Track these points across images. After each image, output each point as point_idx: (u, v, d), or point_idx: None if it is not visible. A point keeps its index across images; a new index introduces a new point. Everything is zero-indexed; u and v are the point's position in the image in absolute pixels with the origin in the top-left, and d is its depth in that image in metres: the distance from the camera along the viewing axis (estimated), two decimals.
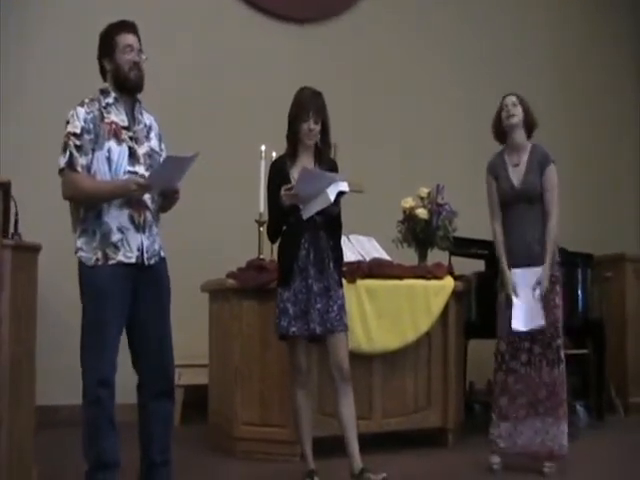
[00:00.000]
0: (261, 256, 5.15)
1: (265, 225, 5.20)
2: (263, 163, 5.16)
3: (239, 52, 6.93)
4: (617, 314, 6.62)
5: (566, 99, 8.18)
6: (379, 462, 4.58)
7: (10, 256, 3.71)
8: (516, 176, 4.59)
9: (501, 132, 4.68)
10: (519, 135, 4.64)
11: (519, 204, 4.55)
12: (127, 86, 3.71)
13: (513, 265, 4.56)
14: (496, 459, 4.52)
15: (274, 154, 5.19)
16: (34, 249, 4.02)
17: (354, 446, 4.12)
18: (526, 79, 7.82)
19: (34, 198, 5.28)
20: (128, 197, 3.58)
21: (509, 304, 4.53)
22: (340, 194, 4.03)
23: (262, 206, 5.15)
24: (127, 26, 3.73)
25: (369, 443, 4.49)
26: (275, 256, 5.15)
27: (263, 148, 5.22)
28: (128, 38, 3.69)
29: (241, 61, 6.92)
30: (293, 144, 4.20)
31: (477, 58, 7.84)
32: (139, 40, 3.75)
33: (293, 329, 4.05)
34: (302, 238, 4.09)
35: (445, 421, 5.25)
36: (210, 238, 6.26)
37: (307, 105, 4.11)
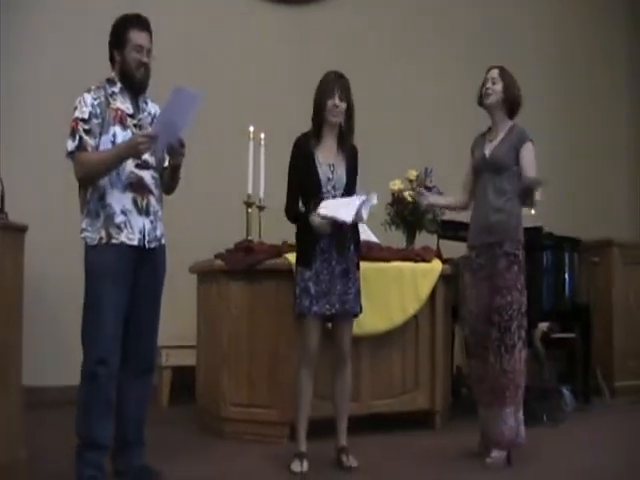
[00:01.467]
0: (249, 237, 5.14)
1: (254, 206, 5.23)
2: (252, 144, 5.15)
3: (227, 33, 6.90)
4: (604, 298, 6.64)
5: (559, 85, 8.19)
6: (366, 444, 4.62)
7: None
8: (489, 148, 4.46)
9: (479, 101, 4.54)
10: (498, 114, 4.47)
11: (486, 173, 4.43)
12: (131, 84, 3.78)
13: (474, 233, 4.44)
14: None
15: (262, 135, 5.20)
16: (21, 229, 3.99)
17: (341, 424, 4.28)
18: (521, 60, 7.82)
19: (21, 177, 5.26)
20: (136, 153, 3.59)
21: (472, 284, 4.42)
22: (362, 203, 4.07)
23: (250, 187, 5.15)
24: (141, 23, 3.79)
25: (357, 425, 4.51)
26: (263, 238, 5.19)
27: (252, 129, 5.20)
28: (141, 37, 3.76)
29: (229, 42, 6.89)
30: (318, 124, 4.24)
31: (473, 40, 7.81)
32: (151, 38, 3.81)
33: (315, 308, 4.11)
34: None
35: (432, 403, 5.26)
36: (198, 219, 6.25)
37: (333, 84, 4.19)
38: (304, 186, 4.19)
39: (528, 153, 4.40)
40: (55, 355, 5.87)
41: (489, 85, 4.44)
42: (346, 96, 4.19)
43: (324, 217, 4.03)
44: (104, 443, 3.65)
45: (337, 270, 4.15)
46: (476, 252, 4.43)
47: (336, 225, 4.05)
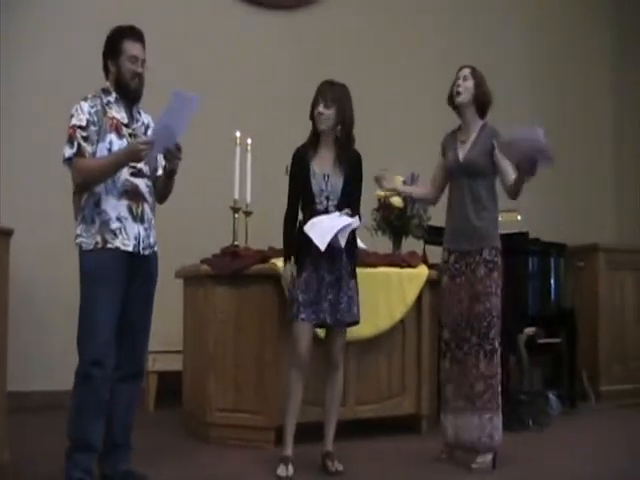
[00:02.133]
0: (235, 242, 5.14)
1: (241, 211, 5.24)
2: (238, 149, 5.16)
3: (214, 37, 6.89)
4: (589, 303, 6.68)
5: (545, 87, 8.23)
6: (353, 449, 4.63)
7: None
8: (462, 151, 4.46)
9: (450, 101, 4.56)
10: (468, 112, 4.47)
11: (461, 178, 4.43)
12: (126, 94, 3.82)
13: (452, 239, 4.46)
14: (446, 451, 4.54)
15: (249, 140, 5.22)
16: (6, 233, 4.00)
17: (329, 429, 4.29)
18: (507, 63, 7.90)
19: (7, 182, 5.26)
20: (135, 159, 3.64)
21: (451, 289, 4.45)
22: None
23: (237, 192, 5.15)
24: (135, 34, 3.84)
25: (343, 429, 4.51)
26: (249, 243, 5.19)
27: (238, 134, 5.21)
28: (135, 47, 3.80)
29: (216, 47, 6.88)
30: (314, 134, 4.27)
31: (461, 44, 7.82)
32: (144, 49, 3.86)
33: (302, 316, 4.12)
34: None
35: (419, 408, 5.27)
36: (185, 224, 6.24)
37: (322, 91, 4.20)
38: (301, 196, 4.24)
39: None
40: (41, 360, 5.86)
41: (460, 82, 4.46)
42: (337, 103, 4.18)
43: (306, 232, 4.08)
44: (95, 445, 3.67)
45: (327, 279, 4.16)
46: (454, 257, 4.45)
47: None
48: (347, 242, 4.17)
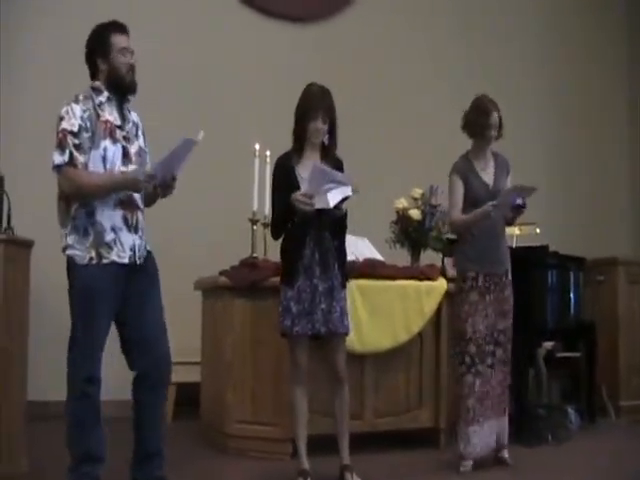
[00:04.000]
0: (254, 254, 5.15)
1: (259, 223, 5.25)
2: (257, 161, 5.18)
3: (234, 50, 6.94)
4: (609, 317, 6.62)
5: (560, 104, 8.21)
6: (371, 462, 4.61)
7: (3, 250, 3.73)
8: (487, 178, 4.66)
9: (474, 132, 4.68)
10: (491, 145, 4.73)
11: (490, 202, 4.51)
12: (123, 88, 3.73)
13: (483, 263, 4.60)
14: (467, 463, 4.58)
15: (268, 152, 5.22)
16: (27, 244, 4.04)
17: (342, 441, 4.23)
18: (521, 82, 7.88)
19: (28, 193, 5.29)
20: (133, 190, 3.61)
21: (479, 306, 4.59)
22: (344, 199, 4.03)
23: (256, 204, 5.17)
24: (121, 27, 3.74)
25: (361, 442, 4.50)
26: (269, 255, 5.19)
27: (257, 147, 5.23)
28: (123, 40, 3.71)
29: (236, 59, 6.93)
30: (300, 141, 4.18)
31: (480, 60, 7.84)
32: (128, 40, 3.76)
33: (296, 328, 4.05)
34: (307, 237, 4.09)
35: (437, 421, 5.25)
36: (204, 236, 6.27)
37: (316, 103, 4.11)
38: (286, 201, 4.06)
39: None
40: (59, 370, 5.87)
41: (494, 128, 4.62)
42: (329, 115, 4.14)
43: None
44: (100, 456, 3.64)
45: (320, 288, 4.07)
46: (483, 277, 4.61)
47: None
48: (338, 251, 4.15)
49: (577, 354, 6.31)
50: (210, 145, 5.94)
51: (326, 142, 4.20)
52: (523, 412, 5.48)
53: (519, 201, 4.43)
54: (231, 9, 7.09)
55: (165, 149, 3.65)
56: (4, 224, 3.99)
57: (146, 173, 3.58)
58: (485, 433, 4.60)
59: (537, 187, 4.43)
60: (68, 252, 3.61)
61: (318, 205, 3.97)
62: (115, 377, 3.91)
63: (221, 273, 5.06)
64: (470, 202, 4.60)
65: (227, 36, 6.95)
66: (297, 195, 3.97)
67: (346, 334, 4.21)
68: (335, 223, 4.15)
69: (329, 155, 4.21)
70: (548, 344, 6.33)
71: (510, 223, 4.77)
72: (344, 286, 4.19)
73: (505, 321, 4.64)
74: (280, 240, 4.24)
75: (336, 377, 4.20)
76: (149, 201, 3.88)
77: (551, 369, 6.14)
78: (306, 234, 4.09)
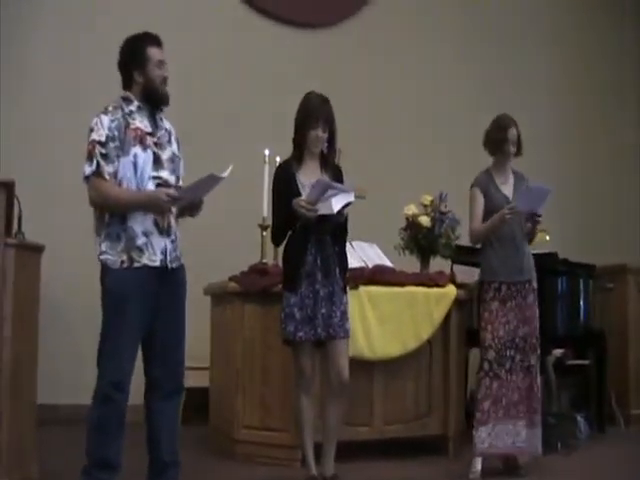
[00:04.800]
0: (264, 260, 5.16)
1: (269, 229, 5.24)
2: (267, 167, 5.17)
3: (245, 55, 6.97)
4: (618, 325, 6.60)
5: (573, 113, 8.20)
6: (379, 469, 4.61)
7: (13, 255, 3.73)
8: (507, 191, 4.76)
9: (494, 150, 4.79)
10: (511, 161, 4.82)
11: (512, 217, 4.59)
12: (156, 100, 3.76)
13: (506, 273, 4.68)
14: (477, 467, 4.62)
15: (278, 159, 5.21)
16: (37, 249, 4.04)
17: (330, 450, 4.16)
18: (533, 92, 7.88)
19: (38, 198, 5.31)
20: (157, 209, 3.62)
21: (500, 312, 4.66)
22: (346, 205, 4.04)
23: (265, 210, 5.17)
24: (156, 40, 3.79)
25: (369, 449, 4.49)
26: (278, 261, 5.18)
27: (267, 152, 5.23)
28: (159, 53, 3.76)
29: (246, 65, 6.96)
30: (299, 149, 4.20)
31: (487, 64, 7.85)
32: None
33: (300, 334, 4.05)
34: (308, 243, 4.09)
35: (446, 429, 5.24)
36: (214, 241, 6.27)
37: (316, 112, 4.12)
38: (287, 207, 4.07)
39: None
40: (70, 373, 5.90)
41: (512, 144, 4.72)
42: (329, 124, 4.15)
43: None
44: (116, 464, 3.62)
45: (322, 293, 4.06)
46: (507, 286, 4.70)
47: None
48: (339, 256, 4.15)
49: (586, 362, 6.30)
50: (220, 150, 6.00)
51: (325, 151, 4.22)
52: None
53: (536, 209, 4.52)
54: (240, 13, 7.11)
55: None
56: (14, 229, 3.99)
57: (170, 194, 3.60)
58: (494, 434, 4.62)
59: (551, 189, 4.50)
60: (101, 257, 3.64)
61: (321, 211, 4.00)
62: None
63: (231, 279, 5.07)
64: (490, 214, 4.67)
65: (236, 41, 6.97)
66: (300, 201, 3.98)
67: (346, 339, 4.16)
68: (336, 228, 4.15)
69: (328, 163, 4.24)
70: (557, 352, 6.32)
71: (530, 237, 4.81)
72: (345, 291, 4.18)
73: (527, 328, 4.69)
74: (283, 246, 4.25)
75: (339, 382, 4.11)
76: (186, 214, 3.92)
77: (560, 377, 6.12)
78: (308, 240, 4.10)
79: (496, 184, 4.77)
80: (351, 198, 4.02)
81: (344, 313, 4.13)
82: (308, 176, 4.16)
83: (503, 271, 4.69)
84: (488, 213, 4.70)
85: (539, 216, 4.60)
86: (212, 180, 3.63)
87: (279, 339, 4.70)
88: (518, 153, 4.79)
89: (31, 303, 3.95)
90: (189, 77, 6.60)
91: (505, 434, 4.65)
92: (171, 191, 3.64)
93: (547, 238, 6.23)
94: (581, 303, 5.97)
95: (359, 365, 4.73)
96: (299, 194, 4.08)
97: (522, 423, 4.68)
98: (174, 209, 3.77)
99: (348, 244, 4.90)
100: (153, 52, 3.73)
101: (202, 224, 5.20)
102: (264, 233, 5.22)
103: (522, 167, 4.89)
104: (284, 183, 4.16)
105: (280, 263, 5.11)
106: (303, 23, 7.33)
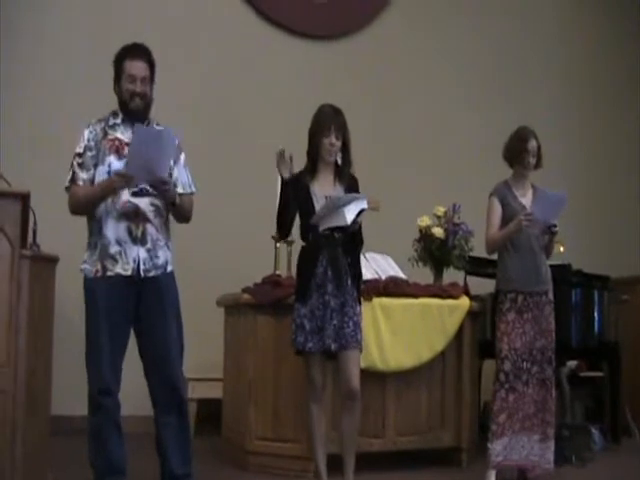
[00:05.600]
0: (277, 272, 5.16)
1: (282, 240, 5.26)
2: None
3: (259, 68, 6.99)
4: (633, 336, 6.58)
5: (584, 125, 8.19)
6: None
7: (28, 266, 3.74)
8: (525, 201, 4.74)
9: (514, 161, 4.78)
10: (530, 174, 4.82)
11: (529, 225, 4.58)
12: (127, 113, 3.83)
13: (523, 282, 4.67)
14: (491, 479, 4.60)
15: None
16: (52, 260, 4.06)
17: (349, 462, 4.12)
18: (544, 103, 7.86)
19: (53, 210, 5.33)
20: (112, 191, 3.67)
21: (517, 324, 4.65)
22: (360, 212, 4.01)
23: None
24: (136, 52, 3.82)
25: (382, 461, 4.48)
26: (292, 272, 5.19)
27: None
28: (133, 66, 3.78)
29: (260, 77, 6.98)
30: (313, 160, 4.20)
31: (497, 77, 7.85)
32: (149, 65, 3.82)
33: (309, 345, 4.03)
34: (320, 254, 4.08)
35: (459, 441, 5.23)
36: (227, 252, 6.29)
37: (328, 121, 4.12)
38: (300, 217, 4.15)
39: None
40: (82, 384, 5.90)
41: (534, 153, 4.73)
42: (342, 133, 4.15)
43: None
44: (120, 467, 3.69)
45: (333, 304, 4.02)
46: (523, 296, 4.68)
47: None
48: (352, 266, 4.11)
49: (600, 374, 6.27)
50: (233, 162, 6.01)
51: (339, 162, 4.21)
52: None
53: (552, 220, 4.53)
54: (252, 25, 7.14)
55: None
56: (29, 240, 4.02)
57: (118, 172, 3.65)
58: (510, 447, 4.60)
59: (566, 196, 4.53)
60: (81, 267, 3.78)
61: (335, 223, 3.99)
62: (134, 392, 3.93)
63: (244, 290, 5.08)
64: (507, 224, 4.66)
65: (249, 52, 7.00)
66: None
67: (358, 349, 4.11)
68: (351, 238, 4.13)
69: (343, 173, 4.22)
70: (572, 363, 6.30)
71: (548, 251, 4.80)
72: (359, 302, 4.15)
73: (544, 340, 4.68)
74: None
75: (349, 393, 4.06)
76: (177, 215, 3.95)
77: (574, 388, 6.10)
78: (319, 251, 4.08)
79: (514, 194, 4.77)
80: (364, 205, 3.99)
81: (357, 324, 4.08)
82: (322, 187, 4.16)
83: (520, 281, 4.67)
84: (505, 222, 4.69)
85: (555, 226, 4.59)
86: (147, 138, 3.62)
87: (292, 350, 4.72)
88: (538, 165, 4.78)
89: (46, 314, 3.97)
90: (200, 88, 6.64)
91: (520, 446, 4.63)
92: (120, 170, 3.67)
93: (562, 249, 6.22)
94: (595, 315, 5.96)
95: (372, 377, 4.74)
96: (312, 204, 4.11)
97: (536, 437, 4.65)
98: (154, 217, 3.78)
99: (362, 256, 4.92)
100: (127, 65, 3.79)
101: (217, 235, 5.26)
102: (277, 245, 5.23)
103: (538, 180, 4.88)
104: (294, 185, 4.12)
105: (294, 275, 5.17)
106: (315, 35, 7.34)
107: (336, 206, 3.95)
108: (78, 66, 6.46)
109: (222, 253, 6.29)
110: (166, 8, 6.74)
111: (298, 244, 5.24)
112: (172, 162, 3.85)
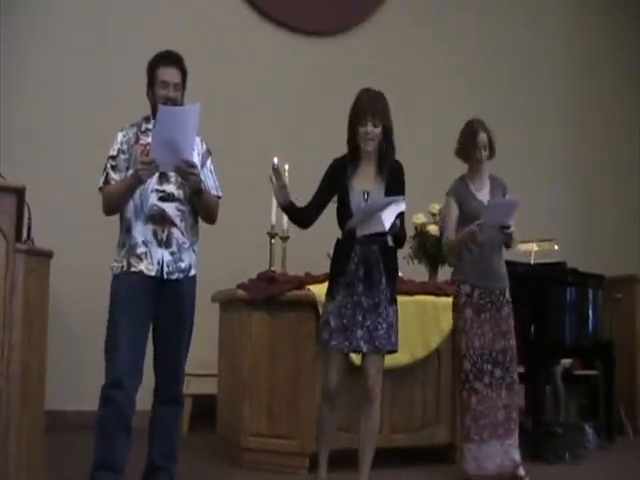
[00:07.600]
0: (272, 268, 5.16)
1: (277, 237, 5.26)
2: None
3: (255, 65, 6.99)
4: (627, 335, 6.58)
5: (581, 119, 8.19)
6: (386, 478, 4.59)
7: (23, 261, 3.72)
8: (483, 197, 4.70)
9: (466, 155, 4.79)
10: (484, 165, 4.77)
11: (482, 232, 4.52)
12: None
13: (478, 277, 4.65)
14: None
15: (287, 166, 5.23)
16: (46, 255, 4.04)
17: (364, 463, 4.04)
18: (543, 97, 7.87)
19: (48, 204, 5.32)
20: (138, 181, 3.71)
21: (474, 323, 4.64)
22: (398, 215, 3.83)
23: (274, 218, 5.18)
24: (169, 59, 3.90)
25: (376, 458, 4.47)
26: (286, 269, 5.21)
27: (276, 160, 5.22)
28: (166, 73, 3.86)
29: (257, 73, 6.97)
30: (353, 148, 4.05)
31: (498, 72, 7.85)
32: (183, 72, 3.91)
33: (333, 343, 3.91)
34: (352, 252, 3.95)
35: (453, 437, 5.22)
36: (222, 249, 6.26)
37: (365, 108, 3.95)
38: (337, 212, 4.03)
39: None
40: (76, 379, 5.91)
41: (486, 145, 4.71)
42: (381, 119, 3.96)
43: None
44: (118, 464, 3.70)
45: (365, 304, 3.91)
46: (479, 293, 4.66)
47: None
48: (387, 266, 3.97)
49: (595, 372, 6.28)
50: (229, 157, 5.99)
51: (382, 148, 4.03)
52: (540, 430, 5.46)
53: (505, 222, 4.45)
54: (250, 22, 7.14)
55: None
56: (24, 235, 4.00)
57: (142, 159, 3.72)
58: (482, 456, 4.56)
59: (519, 199, 4.46)
60: (111, 264, 3.87)
61: (373, 229, 3.81)
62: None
63: (239, 286, 5.07)
64: (467, 222, 4.59)
65: (247, 50, 6.99)
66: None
67: (394, 351, 4.05)
68: (394, 239, 4.02)
69: (384, 162, 4.05)
70: (566, 362, 6.33)
71: (508, 246, 4.73)
72: (393, 302, 4.02)
73: (504, 341, 4.64)
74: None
75: (368, 394, 3.99)
76: (203, 211, 3.99)
77: (569, 387, 6.12)
78: (352, 249, 3.96)
79: (471, 191, 4.73)
80: (402, 207, 3.83)
81: (391, 326, 3.98)
82: (362, 181, 4.02)
83: (472, 274, 4.65)
84: (464, 221, 4.63)
85: (508, 228, 4.47)
86: (173, 118, 3.63)
87: (287, 347, 4.73)
88: (491, 155, 4.74)
89: (40, 309, 3.95)
90: (196, 86, 6.63)
91: (494, 454, 4.58)
92: (144, 158, 3.73)
93: (556, 247, 6.23)
94: (590, 313, 5.96)
95: None
96: (348, 201, 3.98)
97: (508, 442, 4.60)
98: (180, 221, 3.85)
99: None
100: (160, 72, 3.87)
101: (212, 231, 5.21)
102: (272, 241, 5.23)
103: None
104: (334, 179, 4.03)
105: (289, 272, 5.18)
106: (314, 31, 7.34)
107: (373, 210, 3.79)
108: (74, 62, 6.45)
109: (217, 249, 6.26)
110: (166, 7, 6.72)
111: (293, 240, 5.28)
112: (199, 166, 3.90)
